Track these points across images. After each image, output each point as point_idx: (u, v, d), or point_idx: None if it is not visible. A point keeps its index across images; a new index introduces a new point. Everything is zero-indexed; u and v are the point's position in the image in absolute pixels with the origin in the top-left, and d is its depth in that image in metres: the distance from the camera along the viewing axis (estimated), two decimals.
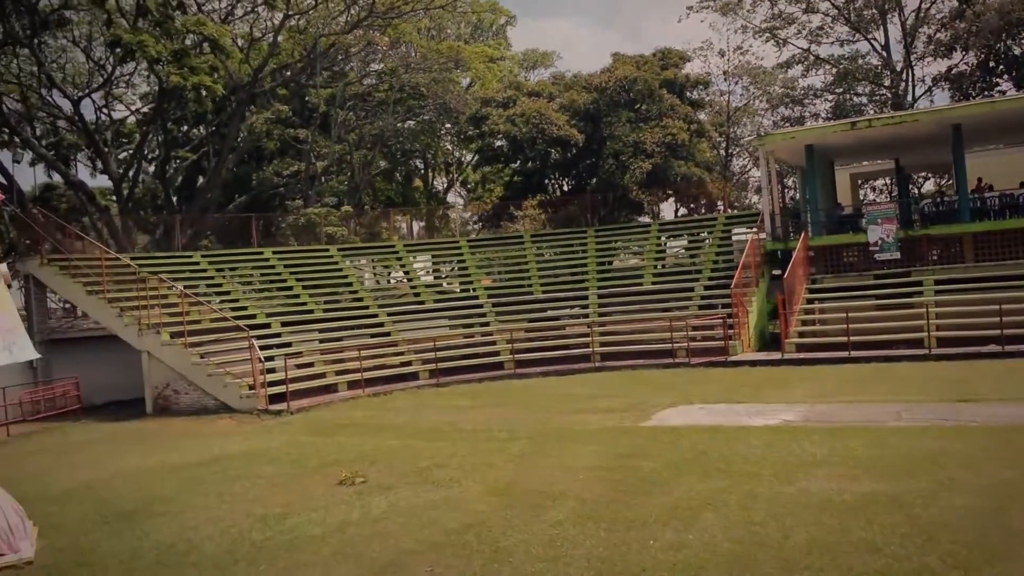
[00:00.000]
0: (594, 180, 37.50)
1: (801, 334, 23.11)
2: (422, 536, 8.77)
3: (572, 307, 28.44)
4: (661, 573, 7.21)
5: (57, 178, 39.06)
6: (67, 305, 30.66)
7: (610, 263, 32.24)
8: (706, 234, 31.80)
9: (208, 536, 9.47)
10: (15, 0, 30.38)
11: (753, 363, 21.97)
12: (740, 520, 8.45)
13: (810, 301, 24.46)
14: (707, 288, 26.63)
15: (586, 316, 27.21)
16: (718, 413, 15.17)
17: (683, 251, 33.27)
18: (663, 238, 32.66)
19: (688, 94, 39.05)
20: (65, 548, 9.50)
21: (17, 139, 35.52)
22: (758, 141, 29.22)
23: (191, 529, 9.83)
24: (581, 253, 31.39)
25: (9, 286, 10.61)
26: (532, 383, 22.10)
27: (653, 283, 28.37)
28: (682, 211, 43.00)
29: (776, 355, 22.26)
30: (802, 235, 25.95)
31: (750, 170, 49.96)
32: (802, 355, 21.81)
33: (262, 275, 29.14)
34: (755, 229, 27.91)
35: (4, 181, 33.76)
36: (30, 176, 40.52)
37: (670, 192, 37.90)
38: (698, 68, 46.14)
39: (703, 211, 38.79)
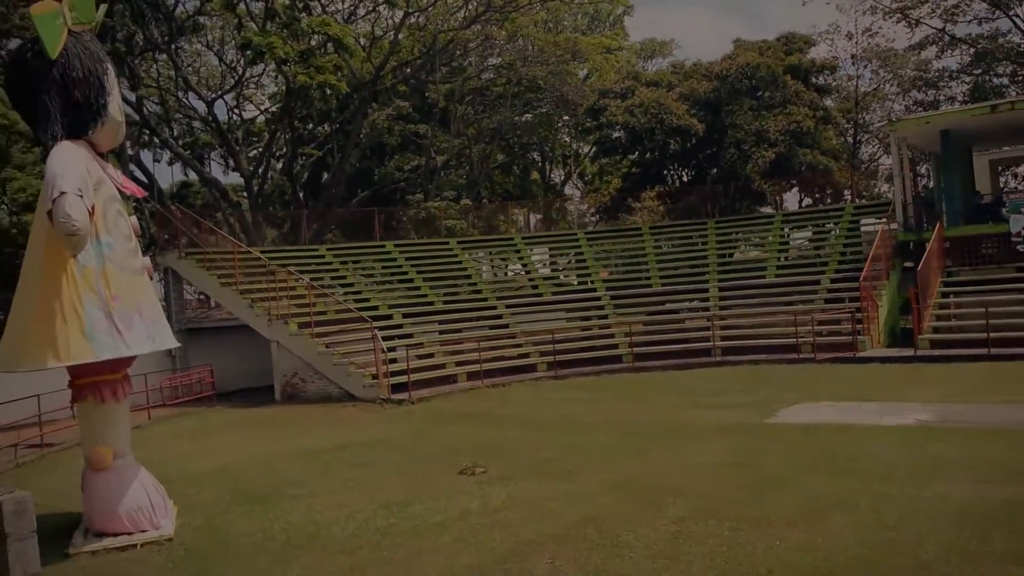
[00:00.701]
0: (714, 170, 36.72)
1: (935, 330, 22.00)
2: (542, 527, 8.80)
3: (691, 300, 27.94)
4: None
5: (193, 176, 41.06)
6: (202, 296, 32.23)
7: (731, 255, 31.51)
8: (832, 225, 30.63)
9: (334, 520, 9.77)
10: (154, 8, 32.03)
11: (883, 360, 21.06)
12: (872, 523, 8.11)
13: (945, 295, 23.24)
14: (834, 281, 25.68)
15: (706, 309, 26.69)
16: (846, 411, 14.61)
17: (807, 243, 32.19)
18: (786, 229, 31.68)
19: (814, 80, 37.72)
20: (201, 527, 9.98)
21: (157, 139, 37.51)
22: (889, 127, 27.92)
23: (318, 513, 10.16)
24: (701, 245, 30.80)
25: (152, 278, 11.18)
26: (651, 377, 21.84)
27: (776, 276, 27.55)
28: (806, 201, 41.59)
29: (908, 351, 21.26)
30: (937, 225, 24.68)
31: (880, 158, 47.88)
32: (937, 352, 20.74)
33: (384, 268, 29.81)
34: (885, 219, 26.74)
35: (145, 179, 35.68)
36: (168, 174, 42.67)
37: (794, 182, 36.71)
38: (824, 52, 44.37)
39: (829, 201, 37.42)
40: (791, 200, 42.27)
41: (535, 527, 8.84)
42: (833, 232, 30.21)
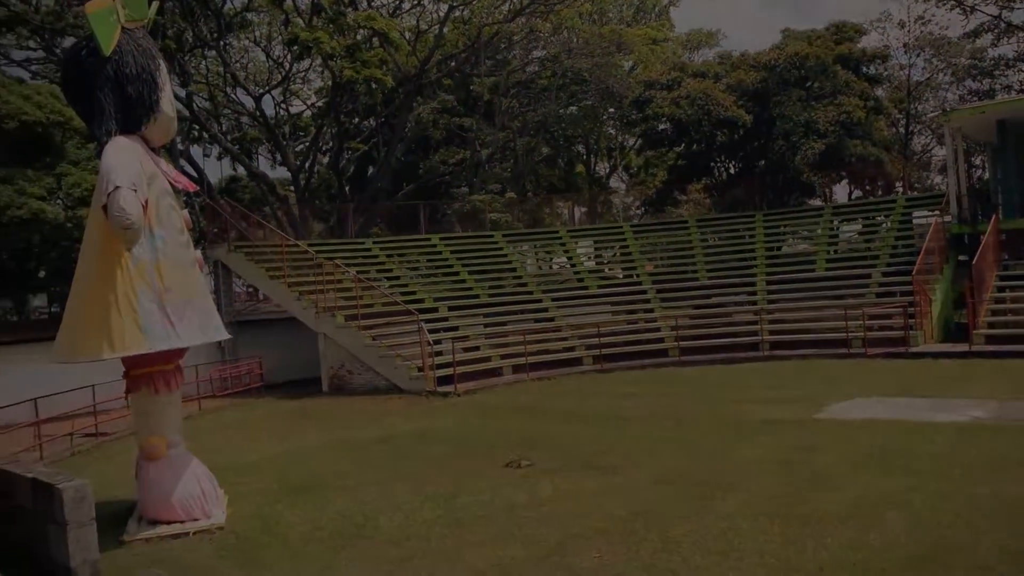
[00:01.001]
0: (762, 162, 36.22)
1: (991, 324, 21.46)
2: (589, 521, 8.77)
3: (738, 294, 27.61)
4: (841, 574, 6.89)
5: (241, 170, 41.57)
6: (250, 289, 32.68)
7: (779, 248, 31.08)
8: (883, 217, 30.05)
9: (381, 511, 9.84)
10: (203, 5, 32.48)
11: (937, 355, 20.60)
12: (926, 522, 7.95)
13: (1001, 289, 22.66)
14: (885, 275, 25.19)
15: (754, 303, 26.36)
16: (899, 407, 14.33)
17: (857, 236, 31.61)
18: (836, 222, 31.14)
19: (864, 69, 36.96)
20: (251, 517, 10.12)
21: (206, 135, 38.07)
22: (943, 117, 27.27)
23: (366, 504, 10.24)
24: (749, 238, 30.41)
25: (203, 272, 11.35)
26: (698, 371, 21.64)
27: (826, 269, 27.11)
28: (856, 193, 40.84)
29: (963, 347, 20.77)
30: (992, 218, 24.06)
31: (933, 149, 46.83)
32: (992, 347, 20.23)
33: (429, 261, 29.93)
34: (938, 212, 26.15)
35: (195, 174, 36.24)
36: (217, 169, 43.30)
37: (844, 174, 36.05)
38: (875, 41, 43.62)
39: (880, 193, 36.70)
40: (840, 192, 41.60)
41: (582, 521, 8.82)
42: (884, 225, 29.62)
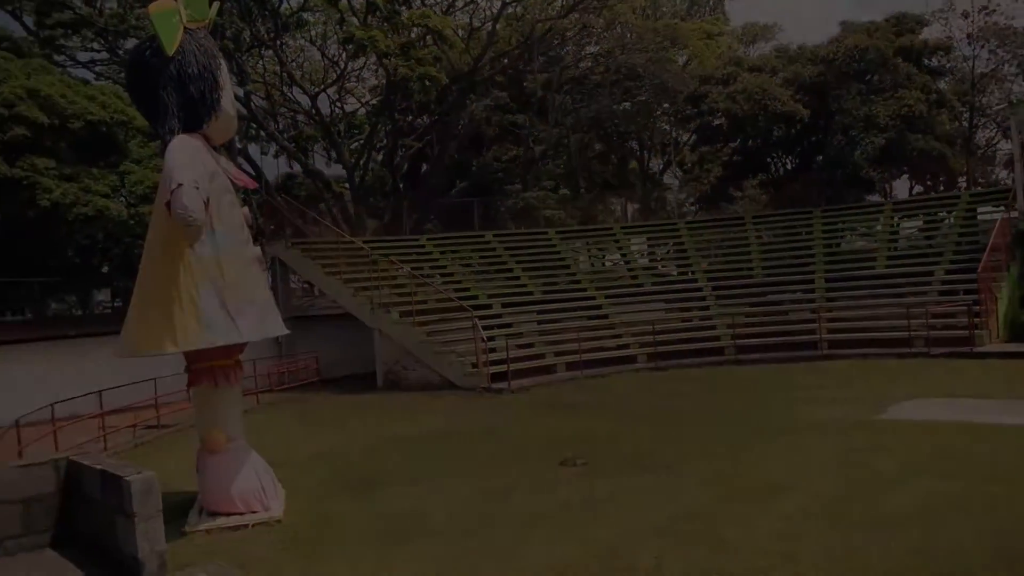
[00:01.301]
0: (820, 158, 35.59)
1: None
2: (644, 521, 8.70)
3: (795, 292, 27.14)
4: None
5: (297, 168, 42.13)
6: (305, 285, 33.09)
7: (838, 245, 30.47)
8: (945, 213, 29.30)
9: (437, 507, 9.88)
10: (260, 6, 32.98)
11: (1003, 355, 20.02)
12: (994, 528, 7.72)
13: None
14: (948, 272, 24.56)
15: (811, 301, 25.89)
16: (964, 409, 13.94)
17: (918, 232, 30.88)
18: (896, 218, 30.46)
19: (926, 61, 36.09)
20: (308, 510, 10.24)
21: (263, 133, 38.65)
22: (1009, 110, 26.61)
23: (421, 499, 10.30)
24: (806, 234, 29.89)
25: (263, 268, 11.51)
26: (754, 370, 21.34)
27: (887, 267, 26.51)
28: (917, 189, 39.96)
29: None
30: None
31: (998, 142, 45.47)
32: None
33: (483, 257, 29.99)
34: (1004, 207, 25.41)
35: (252, 172, 36.83)
36: (274, 167, 43.89)
37: (905, 169, 35.25)
38: (938, 33, 42.25)
39: (942, 189, 35.83)
40: (900, 188, 40.69)
41: (638, 521, 8.75)
42: (947, 221, 28.89)
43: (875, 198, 36.12)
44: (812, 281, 26.77)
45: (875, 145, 32.04)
